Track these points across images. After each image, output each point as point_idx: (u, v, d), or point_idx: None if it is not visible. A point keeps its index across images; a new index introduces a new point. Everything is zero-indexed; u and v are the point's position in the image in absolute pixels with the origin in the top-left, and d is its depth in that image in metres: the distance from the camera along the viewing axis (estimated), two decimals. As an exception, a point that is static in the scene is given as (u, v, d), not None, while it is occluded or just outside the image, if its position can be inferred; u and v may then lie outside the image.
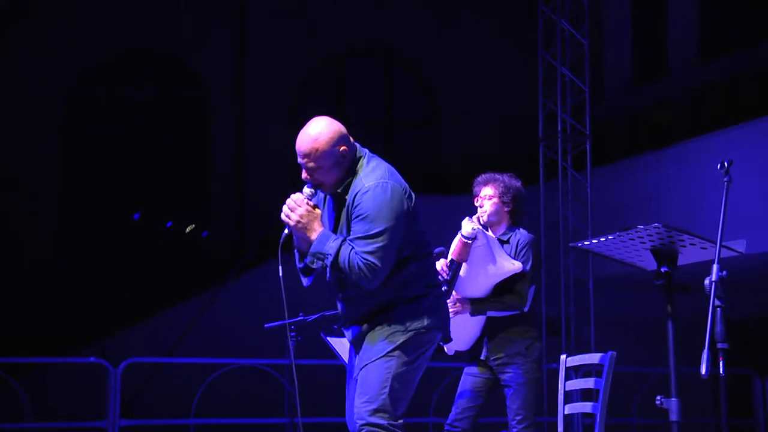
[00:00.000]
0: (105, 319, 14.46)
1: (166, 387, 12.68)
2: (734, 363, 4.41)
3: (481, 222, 5.61)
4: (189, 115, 17.38)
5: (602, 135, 16.11)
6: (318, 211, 4.17)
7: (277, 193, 4.31)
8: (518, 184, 5.77)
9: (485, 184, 5.74)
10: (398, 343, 4.13)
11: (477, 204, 5.74)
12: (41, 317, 14.63)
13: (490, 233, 5.61)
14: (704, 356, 3.77)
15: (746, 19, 15.97)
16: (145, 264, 16.16)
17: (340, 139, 4.13)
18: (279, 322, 6.65)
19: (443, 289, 5.41)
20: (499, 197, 5.70)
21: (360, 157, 4.20)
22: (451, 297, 5.50)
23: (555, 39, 13.44)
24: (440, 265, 5.45)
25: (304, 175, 4.18)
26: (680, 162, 12.96)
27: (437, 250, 5.22)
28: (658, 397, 4.24)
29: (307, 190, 4.18)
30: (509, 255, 5.57)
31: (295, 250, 4.31)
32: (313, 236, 4.09)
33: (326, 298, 4.56)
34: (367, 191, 4.05)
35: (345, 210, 4.14)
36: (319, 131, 4.11)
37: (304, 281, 4.34)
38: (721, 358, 3.88)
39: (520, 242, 5.64)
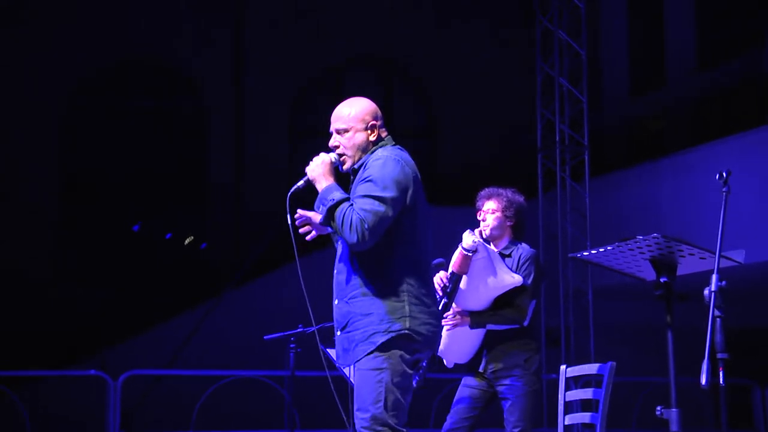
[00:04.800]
0: (104, 332, 14.44)
1: (165, 399, 12.66)
2: (734, 373, 4.40)
3: (483, 236, 5.60)
4: (187, 125, 17.36)
5: (600, 145, 16.11)
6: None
7: (275, 204, 4.36)
8: (521, 199, 5.77)
9: (488, 198, 5.73)
10: (385, 355, 4.13)
11: (479, 218, 5.72)
12: (40, 330, 14.59)
13: (491, 247, 5.60)
14: (704, 366, 3.77)
15: (744, 28, 15.99)
16: (144, 275, 16.13)
17: (374, 115, 4.39)
18: (278, 334, 6.65)
19: (443, 301, 5.40)
20: (502, 212, 5.69)
21: (387, 144, 4.38)
22: (451, 309, 5.48)
23: (553, 49, 13.46)
24: (440, 277, 5.44)
25: (331, 142, 4.39)
26: (678, 172, 12.97)
27: (436, 261, 5.21)
28: (659, 408, 4.24)
29: (332, 155, 4.38)
30: (511, 269, 5.56)
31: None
32: (323, 185, 4.28)
33: (326, 309, 4.56)
34: (378, 159, 4.24)
35: (355, 180, 4.30)
36: (358, 98, 4.46)
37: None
38: (721, 368, 3.88)
39: (521, 256, 5.63)
